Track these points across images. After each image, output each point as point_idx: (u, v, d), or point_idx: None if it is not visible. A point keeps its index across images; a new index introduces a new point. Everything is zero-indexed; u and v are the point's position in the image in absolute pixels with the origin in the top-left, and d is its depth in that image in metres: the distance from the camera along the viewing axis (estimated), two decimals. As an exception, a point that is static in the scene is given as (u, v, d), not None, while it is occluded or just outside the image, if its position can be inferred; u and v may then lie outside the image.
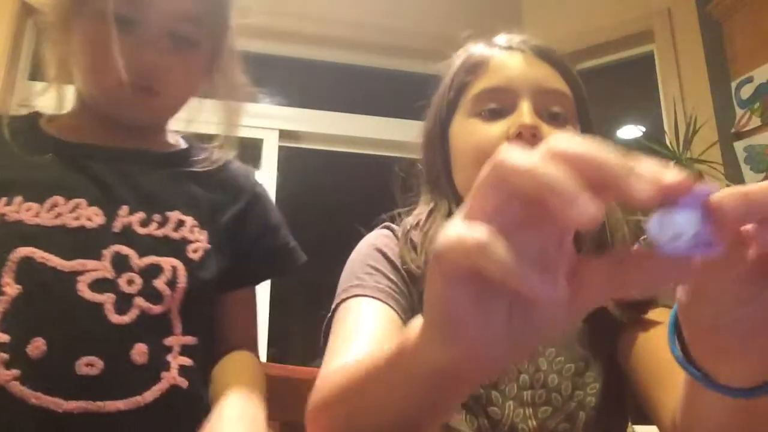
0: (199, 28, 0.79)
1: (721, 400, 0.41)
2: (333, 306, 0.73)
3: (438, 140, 0.80)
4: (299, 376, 0.86)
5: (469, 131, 0.75)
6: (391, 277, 0.72)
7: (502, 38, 0.80)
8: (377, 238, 0.79)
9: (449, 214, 0.75)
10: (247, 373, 0.78)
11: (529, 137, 0.68)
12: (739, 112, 2.28)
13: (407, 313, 0.70)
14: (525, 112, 0.70)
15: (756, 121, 2.22)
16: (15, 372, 0.65)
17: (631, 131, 2.68)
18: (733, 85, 2.30)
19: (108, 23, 0.73)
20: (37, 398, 0.64)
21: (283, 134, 2.64)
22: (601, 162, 0.28)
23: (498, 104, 0.73)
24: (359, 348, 0.62)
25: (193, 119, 0.90)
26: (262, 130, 2.59)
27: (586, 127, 0.77)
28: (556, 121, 0.72)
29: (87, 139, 0.80)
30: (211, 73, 0.86)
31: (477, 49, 0.80)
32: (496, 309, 0.33)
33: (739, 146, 2.25)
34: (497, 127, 0.71)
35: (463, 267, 0.30)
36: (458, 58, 0.82)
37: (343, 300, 0.71)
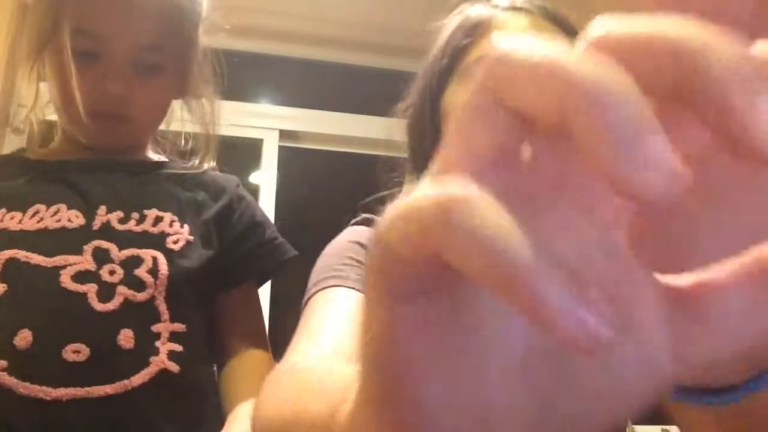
0: (162, 53, 0.81)
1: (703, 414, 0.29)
2: (303, 301, 0.65)
3: (428, 115, 0.72)
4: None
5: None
6: None
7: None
8: (356, 233, 0.72)
9: None
10: (255, 382, 0.77)
11: None
12: (739, 111, 2.28)
13: None
14: None
15: (756, 121, 2.22)
16: (2, 363, 0.66)
17: (631, 131, 2.68)
18: (734, 84, 2.31)
19: (73, 57, 0.75)
20: (26, 388, 0.65)
21: (283, 134, 2.64)
22: (693, 49, 0.13)
23: None
24: (320, 344, 0.53)
25: (171, 120, 0.93)
26: (262, 130, 2.59)
27: None
28: None
29: (67, 158, 0.84)
30: (181, 89, 0.88)
31: (475, 9, 0.74)
32: (497, 356, 0.18)
33: (739, 146, 2.26)
34: None
35: (424, 267, 0.16)
36: (452, 21, 0.76)
37: (315, 292, 0.62)
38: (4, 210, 0.75)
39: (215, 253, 0.82)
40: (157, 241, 0.77)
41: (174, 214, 0.80)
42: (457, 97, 0.67)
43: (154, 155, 0.92)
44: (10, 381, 0.65)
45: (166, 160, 0.91)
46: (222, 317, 0.84)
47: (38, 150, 0.88)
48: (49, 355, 0.67)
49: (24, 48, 0.83)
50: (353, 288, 0.60)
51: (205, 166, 0.90)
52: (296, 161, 2.68)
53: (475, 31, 0.70)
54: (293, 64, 2.74)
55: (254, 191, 2.48)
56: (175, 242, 0.78)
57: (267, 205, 2.49)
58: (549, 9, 0.72)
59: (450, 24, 0.75)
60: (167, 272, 0.75)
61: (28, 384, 0.65)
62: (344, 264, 0.64)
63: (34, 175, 0.81)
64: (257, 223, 0.90)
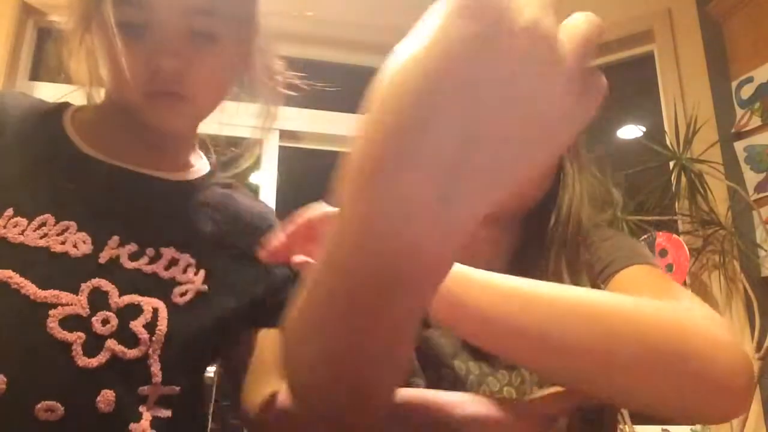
0: (216, 19, 0.71)
1: None
2: None
3: None
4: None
5: None
6: None
7: None
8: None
9: None
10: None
11: None
12: (739, 112, 2.28)
13: None
14: None
15: (756, 121, 2.22)
16: None
17: (631, 131, 2.68)
18: (733, 85, 2.30)
19: (119, 32, 0.67)
20: None
21: (283, 134, 2.64)
22: None
23: None
24: None
25: (225, 122, 0.84)
26: (262, 130, 2.59)
27: None
28: None
29: (100, 150, 0.74)
30: (239, 72, 0.79)
31: None
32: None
33: (739, 146, 2.25)
34: None
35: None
36: None
37: None
38: (10, 212, 0.66)
39: (237, 303, 0.74)
40: (165, 289, 0.69)
41: (192, 256, 0.72)
42: None
43: (194, 159, 0.83)
44: None
45: (206, 168, 0.82)
46: (245, 353, 0.75)
47: (79, 113, 0.77)
48: (21, 409, 0.59)
49: (69, 23, 0.72)
50: None
51: (246, 163, 0.83)
52: (296, 161, 2.68)
53: None
54: (293, 64, 2.74)
55: (254, 191, 2.48)
56: (183, 294, 0.69)
57: (267, 205, 2.49)
58: None
59: None
60: (166, 329, 0.66)
61: None
62: None
63: (57, 163, 0.71)
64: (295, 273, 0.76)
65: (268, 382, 0.69)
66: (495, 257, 0.76)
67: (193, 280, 0.71)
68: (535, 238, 0.76)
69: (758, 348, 2.03)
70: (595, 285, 0.69)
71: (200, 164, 0.83)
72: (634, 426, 2.09)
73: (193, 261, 0.72)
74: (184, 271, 0.71)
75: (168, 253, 0.70)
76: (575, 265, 0.72)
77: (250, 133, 0.84)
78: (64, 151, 0.72)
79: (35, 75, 2.44)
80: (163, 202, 0.75)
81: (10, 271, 0.63)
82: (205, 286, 0.71)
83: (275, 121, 0.83)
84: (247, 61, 0.79)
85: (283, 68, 0.83)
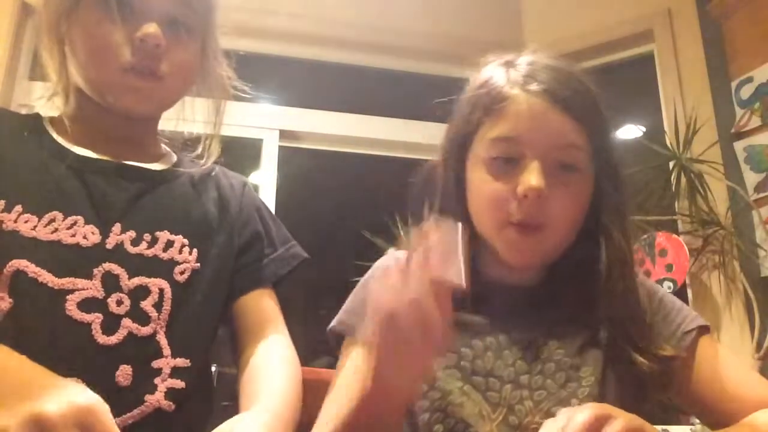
0: (193, 13, 0.81)
1: None
2: (339, 327, 0.81)
3: (453, 162, 0.81)
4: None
5: (481, 180, 0.77)
6: None
7: (522, 68, 0.78)
8: (384, 261, 0.84)
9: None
10: (272, 392, 0.75)
11: (534, 198, 0.72)
12: (739, 112, 2.28)
13: None
14: (533, 174, 0.72)
15: (756, 121, 2.22)
16: None
17: (631, 131, 2.68)
18: (733, 85, 2.30)
19: (109, 9, 0.75)
20: None
21: (283, 134, 2.64)
22: None
23: (510, 154, 0.75)
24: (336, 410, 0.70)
25: (181, 118, 0.90)
26: (262, 130, 2.59)
27: (604, 167, 0.78)
28: (566, 173, 0.75)
29: (87, 148, 0.81)
30: (203, 65, 0.87)
31: (496, 78, 0.79)
32: None
33: (739, 146, 2.25)
34: (506, 185, 0.74)
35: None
36: (477, 81, 0.81)
37: (344, 336, 0.80)
38: (20, 208, 0.72)
39: (226, 275, 0.82)
40: (166, 269, 0.77)
41: (185, 236, 0.80)
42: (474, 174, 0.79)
43: (165, 148, 0.91)
44: None
45: (174, 157, 0.90)
46: (240, 320, 0.84)
47: (54, 123, 0.84)
48: None
49: (47, 15, 0.80)
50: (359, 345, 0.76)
51: (213, 157, 0.89)
52: (296, 161, 2.68)
53: (493, 109, 0.77)
54: (293, 64, 2.74)
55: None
56: (182, 272, 0.77)
57: (267, 204, 2.49)
58: (564, 95, 0.75)
59: (474, 82, 0.82)
60: (170, 308, 0.74)
61: None
62: (360, 306, 0.79)
63: (57, 165, 0.77)
64: (259, 232, 0.89)
65: (255, 345, 0.80)
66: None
67: (188, 260, 0.78)
68: (558, 282, 0.79)
69: (758, 348, 2.03)
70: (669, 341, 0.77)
71: (169, 155, 0.90)
72: (634, 426, 2.09)
73: (186, 241, 0.79)
74: (180, 251, 0.78)
75: (163, 236, 0.78)
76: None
77: (204, 128, 0.91)
78: (56, 152, 0.79)
79: (34, 75, 2.43)
80: (152, 189, 0.82)
81: (25, 260, 0.69)
82: (198, 264, 0.79)
83: (223, 116, 0.91)
84: (207, 51, 0.87)
85: (228, 66, 0.91)
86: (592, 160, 0.76)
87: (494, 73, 0.80)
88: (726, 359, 0.78)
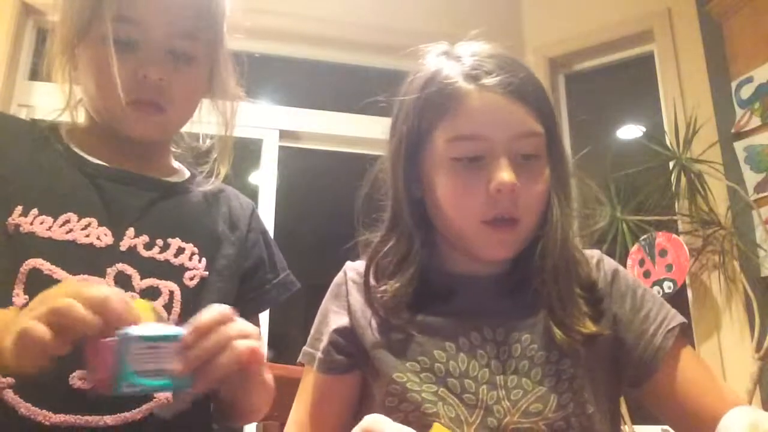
0: (196, 43, 0.82)
1: None
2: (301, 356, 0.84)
3: (405, 164, 0.79)
4: (299, 377, 0.86)
5: (446, 182, 0.75)
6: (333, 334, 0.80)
7: (467, 60, 0.76)
8: (338, 277, 0.86)
9: (407, 251, 0.78)
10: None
11: (507, 193, 0.72)
12: (739, 112, 2.28)
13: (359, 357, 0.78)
14: (503, 170, 0.72)
15: (756, 121, 2.22)
16: (10, 380, 0.66)
17: (631, 131, 2.68)
18: (733, 85, 2.30)
19: (108, 47, 0.76)
20: (27, 409, 0.65)
21: (283, 134, 2.64)
22: None
23: (473, 152, 0.74)
24: None
25: (194, 120, 0.91)
26: (262, 130, 2.59)
27: (557, 156, 0.78)
28: (528, 161, 0.75)
29: (103, 158, 0.84)
30: (210, 84, 0.89)
31: (445, 73, 0.77)
32: None
33: (739, 146, 2.25)
34: (474, 184, 0.73)
35: None
36: (420, 76, 0.80)
37: (304, 363, 0.83)
38: (36, 211, 0.74)
39: (233, 289, 0.85)
40: (177, 273, 0.79)
41: (195, 245, 0.82)
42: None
43: (175, 163, 0.93)
44: (14, 399, 0.65)
45: (187, 173, 0.92)
46: None
47: (71, 132, 0.86)
48: (57, 378, 0.67)
49: (58, 43, 0.82)
50: (316, 370, 0.81)
51: (224, 171, 0.92)
52: (296, 161, 2.68)
53: (447, 106, 0.75)
54: (293, 64, 2.74)
55: (254, 191, 2.48)
56: (191, 279, 0.80)
57: (267, 204, 2.49)
58: (516, 85, 0.74)
59: (420, 75, 0.80)
60: (179, 310, 0.76)
61: (30, 405, 0.65)
62: (319, 332, 0.82)
63: (73, 172, 0.80)
64: (263, 258, 0.92)
65: None
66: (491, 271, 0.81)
67: (198, 267, 0.81)
68: (522, 267, 0.78)
69: (758, 348, 2.03)
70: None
71: (181, 170, 0.93)
72: (634, 426, 2.09)
73: (196, 250, 0.82)
74: (190, 258, 0.81)
75: (174, 243, 0.81)
76: (567, 291, 0.75)
77: (215, 130, 0.93)
78: (72, 159, 0.82)
79: (34, 75, 2.43)
80: (166, 199, 0.85)
81: (41, 259, 0.71)
82: (207, 272, 0.81)
83: (235, 119, 0.93)
84: (214, 74, 0.89)
85: (236, 73, 0.93)
86: (548, 144, 0.76)
87: (439, 67, 0.78)
88: (700, 362, 0.79)
